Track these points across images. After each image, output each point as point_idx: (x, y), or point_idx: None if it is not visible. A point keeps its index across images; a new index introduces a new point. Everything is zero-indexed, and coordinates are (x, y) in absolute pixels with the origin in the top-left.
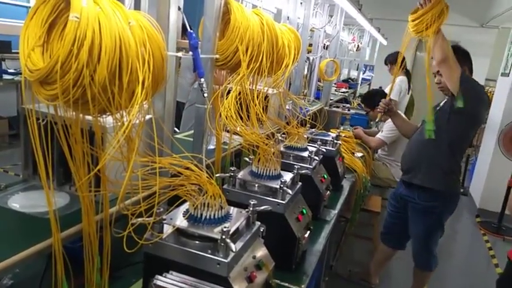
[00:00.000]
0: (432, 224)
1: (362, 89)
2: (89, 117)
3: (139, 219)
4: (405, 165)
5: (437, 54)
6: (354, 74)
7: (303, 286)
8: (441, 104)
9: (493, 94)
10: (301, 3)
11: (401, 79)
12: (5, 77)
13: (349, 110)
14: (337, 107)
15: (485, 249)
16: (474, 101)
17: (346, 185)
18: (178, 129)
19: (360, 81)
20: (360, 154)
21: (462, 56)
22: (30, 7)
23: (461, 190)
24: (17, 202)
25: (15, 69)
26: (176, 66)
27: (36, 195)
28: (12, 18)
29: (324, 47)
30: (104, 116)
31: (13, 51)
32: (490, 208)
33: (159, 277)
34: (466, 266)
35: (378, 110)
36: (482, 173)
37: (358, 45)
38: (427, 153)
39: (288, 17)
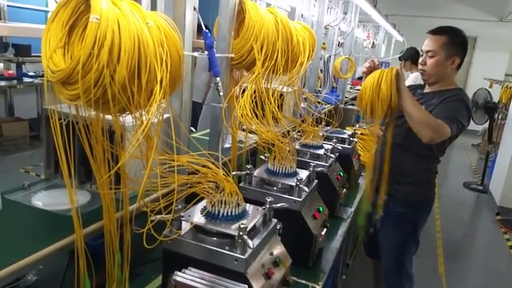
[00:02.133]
0: (406, 233)
1: None
2: (109, 117)
3: (158, 216)
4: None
5: (420, 132)
6: None
7: (320, 283)
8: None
9: None
10: (315, 0)
11: (416, 75)
12: (25, 80)
13: None
14: (353, 104)
15: (506, 247)
16: (462, 125)
17: (362, 183)
18: (195, 129)
19: None
20: None
21: (459, 44)
22: (48, 11)
23: (481, 188)
24: (40, 200)
25: (34, 72)
26: (192, 66)
27: (58, 193)
28: (32, 22)
29: (338, 44)
30: (124, 115)
31: (33, 54)
32: (511, 206)
33: (178, 273)
34: (486, 264)
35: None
36: (502, 170)
37: (373, 42)
38: (400, 162)
39: (302, 15)
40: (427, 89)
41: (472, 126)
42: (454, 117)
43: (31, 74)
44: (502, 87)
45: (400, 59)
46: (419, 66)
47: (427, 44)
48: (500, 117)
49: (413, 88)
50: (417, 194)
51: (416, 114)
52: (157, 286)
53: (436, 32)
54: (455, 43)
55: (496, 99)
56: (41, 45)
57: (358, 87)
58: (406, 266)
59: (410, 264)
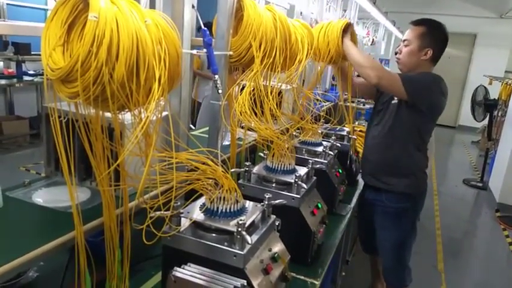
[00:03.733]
0: (406, 228)
1: None
2: (108, 115)
3: (158, 213)
4: (367, 169)
5: (369, 74)
6: None
7: (318, 279)
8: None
9: None
10: None
11: None
12: (25, 78)
13: (364, 105)
14: (352, 101)
15: (505, 244)
16: (426, 97)
17: (361, 180)
18: (194, 126)
19: None
20: None
21: (436, 37)
22: (48, 9)
23: (480, 185)
24: (41, 197)
25: (34, 71)
26: (191, 64)
27: (59, 190)
28: (32, 21)
29: None
30: (123, 112)
31: (32, 52)
32: (510, 202)
33: (178, 269)
34: (486, 261)
35: None
36: (501, 166)
37: (373, 39)
38: (390, 155)
39: (301, 13)
40: None
41: (472, 123)
42: (409, 79)
43: (31, 72)
44: (502, 84)
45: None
46: (395, 55)
47: (405, 34)
48: (499, 114)
49: None
50: (414, 186)
51: (359, 57)
52: (157, 282)
53: (417, 22)
54: (432, 35)
55: (495, 96)
56: (41, 44)
57: None
58: (406, 261)
59: (409, 257)
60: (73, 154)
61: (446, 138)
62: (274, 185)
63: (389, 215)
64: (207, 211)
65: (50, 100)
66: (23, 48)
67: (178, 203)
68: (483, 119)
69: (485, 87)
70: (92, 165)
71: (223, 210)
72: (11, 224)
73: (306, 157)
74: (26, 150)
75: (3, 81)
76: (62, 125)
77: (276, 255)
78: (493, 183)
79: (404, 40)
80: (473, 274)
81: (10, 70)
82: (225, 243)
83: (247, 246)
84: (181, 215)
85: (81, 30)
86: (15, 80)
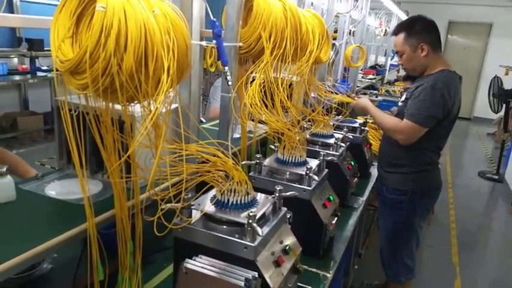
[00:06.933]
0: (400, 222)
1: (390, 75)
2: (118, 107)
3: (169, 205)
4: (379, 159)
5: (395, 137)
6: (381, 60)
7: (330, 272)
8: (403, 98)
9: None
10: None
11: None
12: (39, 74)
13: (376, 97)
14: (365, 93)
15: None
16: (425, 111)
17: (374, 172)
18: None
19: (388, 67)
20: None
21: (419, 32)
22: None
23: (496, 177)
24: (53, 190)
25: (48, 66)
26: (201, 55)
27: (71, 183)
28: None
29: (349, 32)
30: (132, 104)
31: (45, 48)
32: None
33: (189, 260)
34: (501, 255)
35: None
36: None
37: (385, 30)
38: (391, 147)
39: (312, 3)
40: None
41: (487, 114)
42: (420, 112)
43: (44, 68)
44: None
45: None
46: (401, 67)
47: (394, 45)
48: None
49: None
50: (408, 183)
51: (386, 124)
52: (169, 274)
53: (395, 31)
54: (415, 33)
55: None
56: (50, 36)
57: (370, 76)
58: (401, 256)
59: (408, 254)
60: (84, 147)
61: (461, 130)
62: (285, 177)
63: (386, 205)
64: (218, 203)
65: (61, 93)
66: (36, 44)
67: (189, 195)
68: (499, 111)
69: (498, 77)
70: (103, 158)
71: (234, 202)
72: (24, 216)
73: (317, 149)
74: (41, 145)
75: (17, 77)
76: (73, 118)
77: (287, 247)
78: (509, 175)
79: (397, 52)
80: (488, 267)
81: (24, 66)
82: (236, 235)
83: (258, 238)
84: (192, 207)
85: (89, 21)
86: (29, 76)
